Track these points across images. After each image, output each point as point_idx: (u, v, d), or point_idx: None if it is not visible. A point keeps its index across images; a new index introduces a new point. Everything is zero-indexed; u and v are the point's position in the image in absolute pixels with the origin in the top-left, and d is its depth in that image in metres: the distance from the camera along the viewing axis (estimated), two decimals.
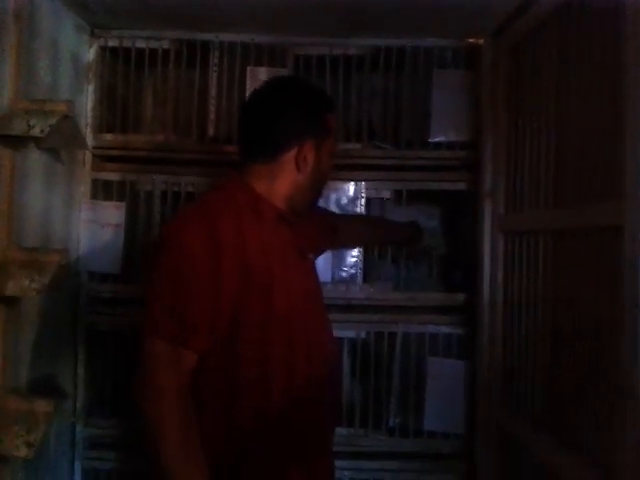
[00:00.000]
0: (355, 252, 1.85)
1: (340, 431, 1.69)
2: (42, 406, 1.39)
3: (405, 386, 1.80)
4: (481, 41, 1.79)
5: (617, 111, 1.05)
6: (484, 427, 1.66)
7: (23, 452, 1.31)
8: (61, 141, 1.53)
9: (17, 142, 1.40)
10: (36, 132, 1.36)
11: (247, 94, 1.82)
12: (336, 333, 1.74)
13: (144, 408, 1.08)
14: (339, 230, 1.64)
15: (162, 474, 1.06)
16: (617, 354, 1.01)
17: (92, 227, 1.80)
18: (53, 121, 1.39)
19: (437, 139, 1.82)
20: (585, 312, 1.16)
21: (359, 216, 1.84)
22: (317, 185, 1.32)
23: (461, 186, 1.83)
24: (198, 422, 1.10)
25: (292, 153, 1.24)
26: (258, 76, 1.84)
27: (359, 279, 1.84)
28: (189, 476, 1.06)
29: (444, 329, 1.80)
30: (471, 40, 1.83)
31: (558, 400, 1.27)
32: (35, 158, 1.52)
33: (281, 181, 1.25)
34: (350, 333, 1.82)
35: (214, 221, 1.15)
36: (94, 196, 1.82)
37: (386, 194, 1.87)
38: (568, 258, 1.26)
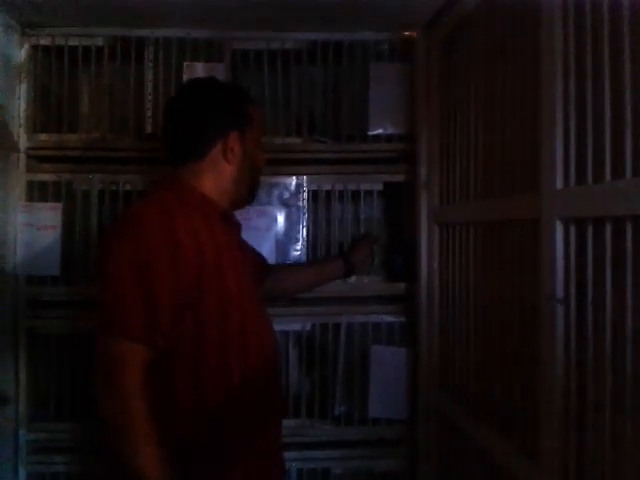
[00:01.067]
0: (299, 245, 1.87)
1: (287, 423, 1.71)
2: None
3: (350, 375, 1.83)
4: (414, 34, 1.81)
5: (536, 105, 1.08)
6: (425, 413, 1.71)
7: None
8: None
9: None
10: None
11: None
12: (282, 326, 1.78)
13: (104, 406, 1.10)
14: (269, 274, 1.63)
15: (124, 469, 1.08)
16: (537, 344, 1.05)
17: (29, 230, 1.76)
18: None
19: (376, 132, 1.85)
20: (510, 302, 1.20)
21: (287, 265, 1.82)
22: (250, 175, 1.36)
23: (400, 178, 1.86)
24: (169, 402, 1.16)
25: (218, 147, 1.29)
26: (195, 71, 1.83)
27: None
28: (152, 468, 1.08)
29: (387, 318, 1.84)
30: (406, 33, 1.85)
31: (489, 387, 1.32)
32: None
33: (215, 176, 1.30)
34: (296, 326, 1.84)
35: (172, 220, 1.16)
36: (30, 198, 1.79)
37: (327, 187, 1.88)
38: (495, 250, 1.30)
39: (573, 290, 0.96)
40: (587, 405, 0.94)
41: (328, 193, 1.89)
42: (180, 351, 1.17)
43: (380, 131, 1.85)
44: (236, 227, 1.39)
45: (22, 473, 1.74)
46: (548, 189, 1.02)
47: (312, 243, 1.89)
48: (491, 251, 1.32)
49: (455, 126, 1.55)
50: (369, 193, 1.88)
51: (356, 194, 1.88)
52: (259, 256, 1.64)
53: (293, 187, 1.88)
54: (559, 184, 0.99)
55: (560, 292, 0.98)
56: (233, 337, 1.22)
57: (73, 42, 1.81)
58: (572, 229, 0.97)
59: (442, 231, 1.63)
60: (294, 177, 1.88)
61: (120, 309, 1.11)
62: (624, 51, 0.87)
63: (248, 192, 1.38)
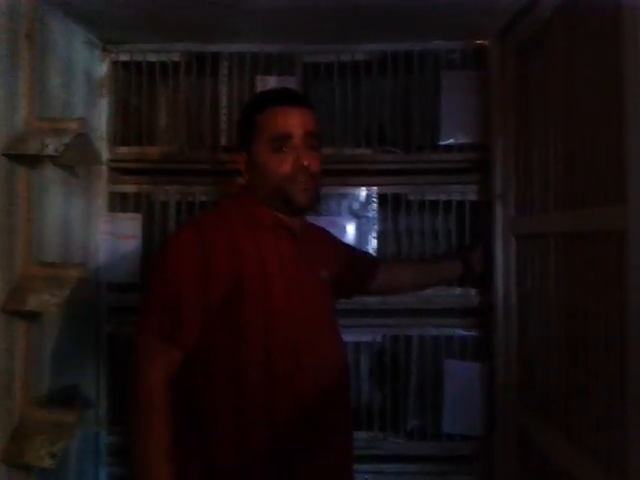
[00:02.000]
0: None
1: (359, 435, 1.71)
2: (66, 416, 1.43)
3: (422, 389, 1.81)
4: (488, 42, 1.79)
5: (620, 112, 1.04)
6: (502, 428, 1.66)
7: (47, 462, 1.36)
8: (76, 158, 1.57)
9: (33, 160, 1.45)
10: (50, 151, 1.40)
11: None
12: (352, 337, 1.78)
13: (130, 398, 1.21)
14: (379, 273, 1.64)
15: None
16: (623, 359, 1.01)
17: (110, 239, 1.84)
18: (67, 139, 1.43)
19: (447, 141, 1.83)
20: (594, 316, 1.15)
21: (401, 262, 1.85)
22: (271, 184, 1.29)
23: (473, 188, 1.83)
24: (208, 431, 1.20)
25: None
26: (267, 85, 1.86)
27: None
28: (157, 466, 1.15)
29: (459, 331, 1.81)
30: (478, 41, 1.83)
31: (573, 403, 1.27)
32: (52, 175, 1.56)
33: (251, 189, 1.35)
34: (366, 337, 1.83)
35: (205, 230, 1.26)
36: (111, 209, 1.86)
37: (398, 197, 1.86)
38: (577, 262, 1.25)
39: None
40: None
41: (399, 204, 1.87)
42: (219, 370, 1.22)
43: (451, 141, 1.83)
44: (305, 237, 1.37)
45: (102, 474, 1.82)
46: (636, 197, 0.97)
47: (382, 253, 1.88)
48: (573, 263, 1.27)
49: (532, 135, 1.51)
50: (447, 203, 1.85)
51: (433, 205, 1.86)
52: (366, 255, 1.72)
53: (363, 198, 1.88)
54: None
55: None
56: (279, 353, 1.22)
57: (151, 58, 1.89)
58: None
59: (519, 243, 1.59)
60: (364, 188, 1.88)
61: (151, 312, 1.24)
62: None
63: (284, 202, 1.29)
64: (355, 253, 1.66)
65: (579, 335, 1.24)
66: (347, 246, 1.68)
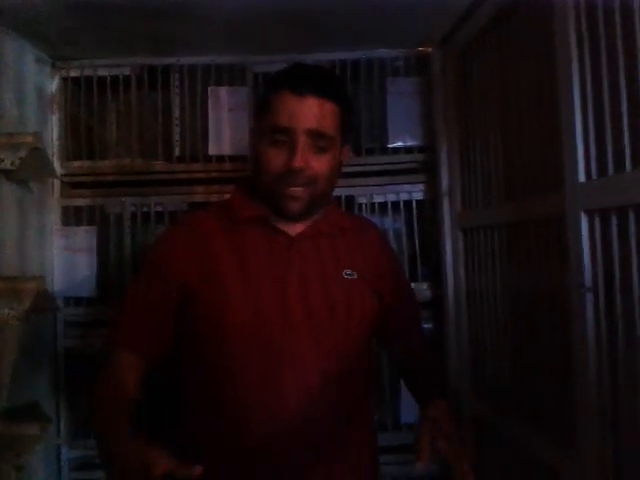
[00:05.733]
0: None
1: None
2: (29, 430, 1.42)
3: (381, 385, 1.87)
4: (430, 49, 1.88)
5: (553, 104, 1.13)
6: (457, 418, 1.73)
7: (13, 477, 1.35)
8: (31, 172, 1.57)
9: None
10: (7, 165, 1.41)
11: (209, 113, 1.90)
12: None
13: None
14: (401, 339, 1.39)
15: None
16: (568, 336, 1.09)
17: (65, 253, 1.84)
18: (22, 153, 1.44)
19: (395, 144, 1.91)
20: (539, 297, 1.24)
21: (419, 361, 1.39)
22: (262, 175, 1.15)
23: (420, 188, 1.91)
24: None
25: None
26: (219, 96, 1.91)
27: None
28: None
29: None
30: (421, 49, 1.92)
31: (523, 384, 1.35)
32: (7, 190, 1.56)
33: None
34: None
35: (174, 230, 1.27)
36: (65, 223, 1.86)
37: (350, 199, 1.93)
38: (520, 249, 1.34)
39: (601, 279, 1.00)
40: (619, 391, 0.97)
41: (352, 205, 1.93)
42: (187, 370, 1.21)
43: (399, 143, 1.91)
44: (294, 237, 1.19)
45: None
46: (571, 184, 1.06)
47: None
48: (517, 251, 1.36)
49: (474, 135, 1.60)
50: (396, 204, 1.93)
51: (384, 205, 1.93)
52: (399, 318, 1.35)
53: None
54: (581, 177, 1.03)
55: (588, 281, 1.02)
56: (240, 352, 1.13)
57: (102, 72, 1.91)
58: (597, 220, 1.01)
59: (466, 236, 1.68)
60: None
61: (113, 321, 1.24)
62: (636, 45, 0.91)
63: (273, 203, 1.16)
64: (398, 292, 1.35)
65: (524, 320, 1.33)
66: (398, 277, 1.39)
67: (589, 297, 1.02)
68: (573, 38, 1.05)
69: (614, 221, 0.97)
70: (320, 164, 1.12)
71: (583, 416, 1.05)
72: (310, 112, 1.10)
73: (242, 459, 1.11)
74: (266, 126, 1.13)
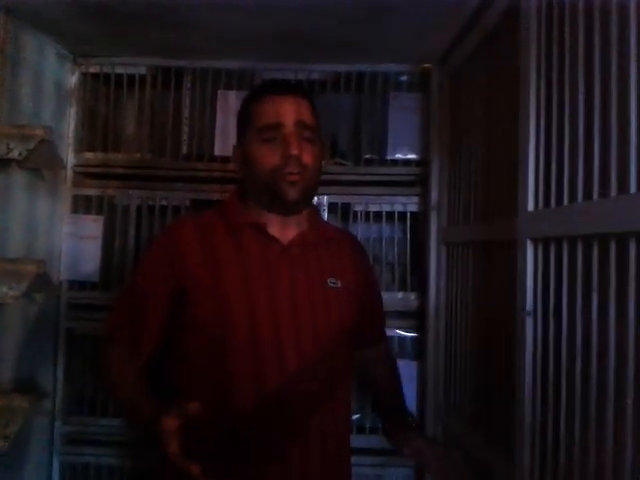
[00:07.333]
0: None
1: None
2: (19, 401, 1.53)
3: (361, 389, 1.92)
4: (430, 66, 1.93)
5: (515, 135, 1.18)
6: (432, 425, 1.79)
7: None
8: (40, 162, 1.68)
9: None
10: (15, 154, 1.52)
11: (217, 115, 1.99)
12: None
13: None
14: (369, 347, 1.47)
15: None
16: (512, 353, 1.14)
17: (73, 239, 1.95)
18: (31, 145, 1.55)
19: (394, 156, 1.97)
20: (494, 317, 1.29)
21: (385, 367, 1.52)
22: (259, 178, 1.21)
23: (414, 200, 1.97)
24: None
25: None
26: (228, 99, 2.00)
27: None
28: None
29: (399, 333, 1.93)
30: (425, 65, 1.97)
31: (479, 398, 1.40)
32: (18, 178, 1.68)
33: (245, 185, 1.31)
34: None
35: (173, 230, 1.31)
36: (75, 211, 1.97)
37: (347, 207, 1.99)
38: (486, 268, 1.39)
39: (540, 304, 1.05)
40: (549, 407, 1.02)
41: (347, 212, 2.00)
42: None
43: (398, 156, 1.97)
44: (307, 239, 1.28)
45: (56, 462, 1.91)
46: (522, 212, 1.11)
47: None
48: (483, 270, 1.41)
49: (461, 153, 1.65)
50: (390, 214, 1.98)
51: (378, 214, 1.99)
52: (373, 327, 1.47)
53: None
54: (530, 207, 1.08)
55: (530, 306, 1.07)
56: (237, 349, 1.18)
57: (119, 70, 2.01)
58: (540, 248, 1.06)
59: (449, 250, 1.73)
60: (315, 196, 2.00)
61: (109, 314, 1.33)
62: (594, 87, 0.95)
63: (273, 196, 1.21)
64: (374, 302, 1.45)
65: (485, 336, 1.38)
66: (374, 288, 1.47)
67: (529, 320, 1.06)
68: (534, 75, 1.09)
69: (552, 249, 1.01)
70: (309, 155, 1.20)
71: (519, 428, 1.10)
72: (296, 107, 1.21)
73: (227, 426, 1.15)
74: (253, 131, 1.22)
